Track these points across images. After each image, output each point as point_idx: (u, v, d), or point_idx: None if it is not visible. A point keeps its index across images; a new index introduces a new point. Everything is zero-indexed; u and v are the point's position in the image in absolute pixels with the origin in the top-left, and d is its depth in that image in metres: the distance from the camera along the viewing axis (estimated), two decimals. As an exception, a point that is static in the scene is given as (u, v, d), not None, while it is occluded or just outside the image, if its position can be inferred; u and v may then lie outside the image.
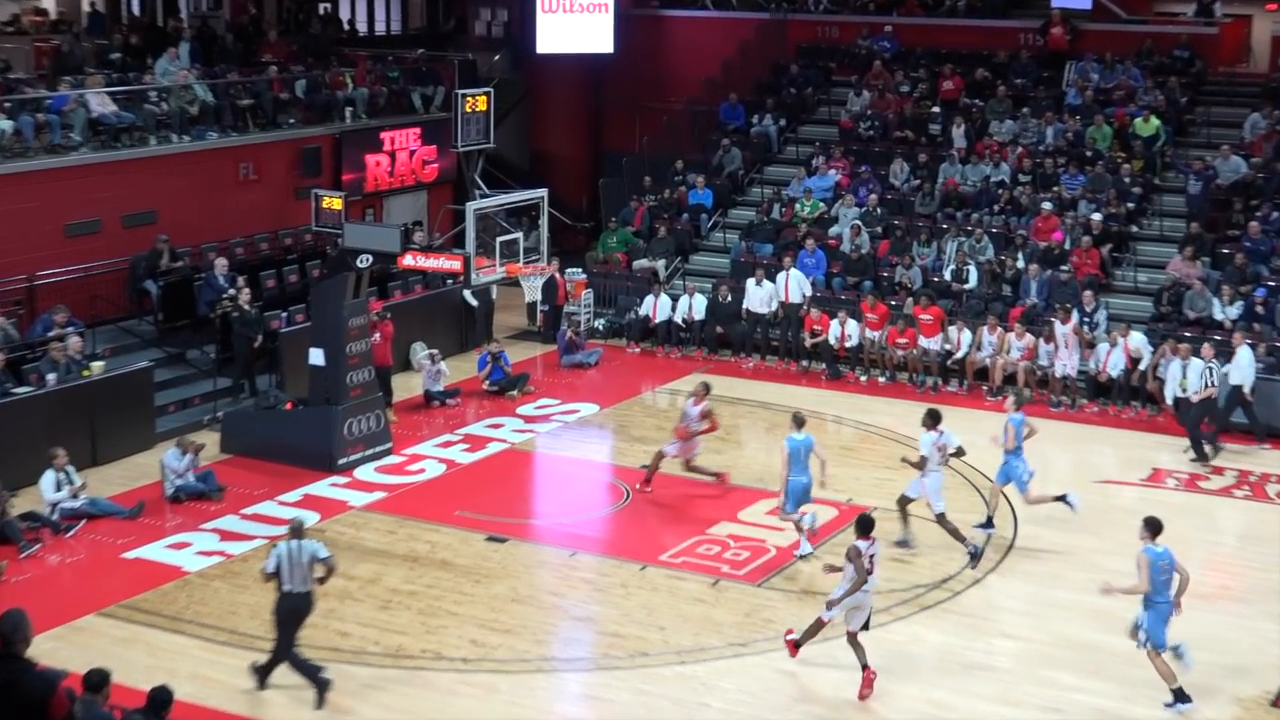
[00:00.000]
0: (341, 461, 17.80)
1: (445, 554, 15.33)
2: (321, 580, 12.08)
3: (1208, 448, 18.52)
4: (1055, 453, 19.00)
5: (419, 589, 14.41)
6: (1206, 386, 18.66)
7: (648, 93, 31.03)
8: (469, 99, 19.05)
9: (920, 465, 14.76)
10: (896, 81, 28.55)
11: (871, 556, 12.10)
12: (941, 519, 14.82)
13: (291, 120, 25.03)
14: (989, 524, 15.73)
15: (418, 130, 27.25)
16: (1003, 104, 27.00)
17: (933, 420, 14.86)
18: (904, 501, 15.22)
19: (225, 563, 15.06)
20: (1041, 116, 26.41)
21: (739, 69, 30.32)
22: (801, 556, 14.96)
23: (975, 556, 14.79)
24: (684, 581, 14.63)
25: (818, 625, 12.43)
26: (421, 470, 18.02)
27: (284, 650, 12.04)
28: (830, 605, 12.27)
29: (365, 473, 17.82)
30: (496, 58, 32.15)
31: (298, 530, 12.18)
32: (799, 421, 15.10)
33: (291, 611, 11.98)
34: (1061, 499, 15.65)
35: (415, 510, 16.57)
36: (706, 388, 16.77)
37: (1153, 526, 11.92)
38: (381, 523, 16.22)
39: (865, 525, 12.20)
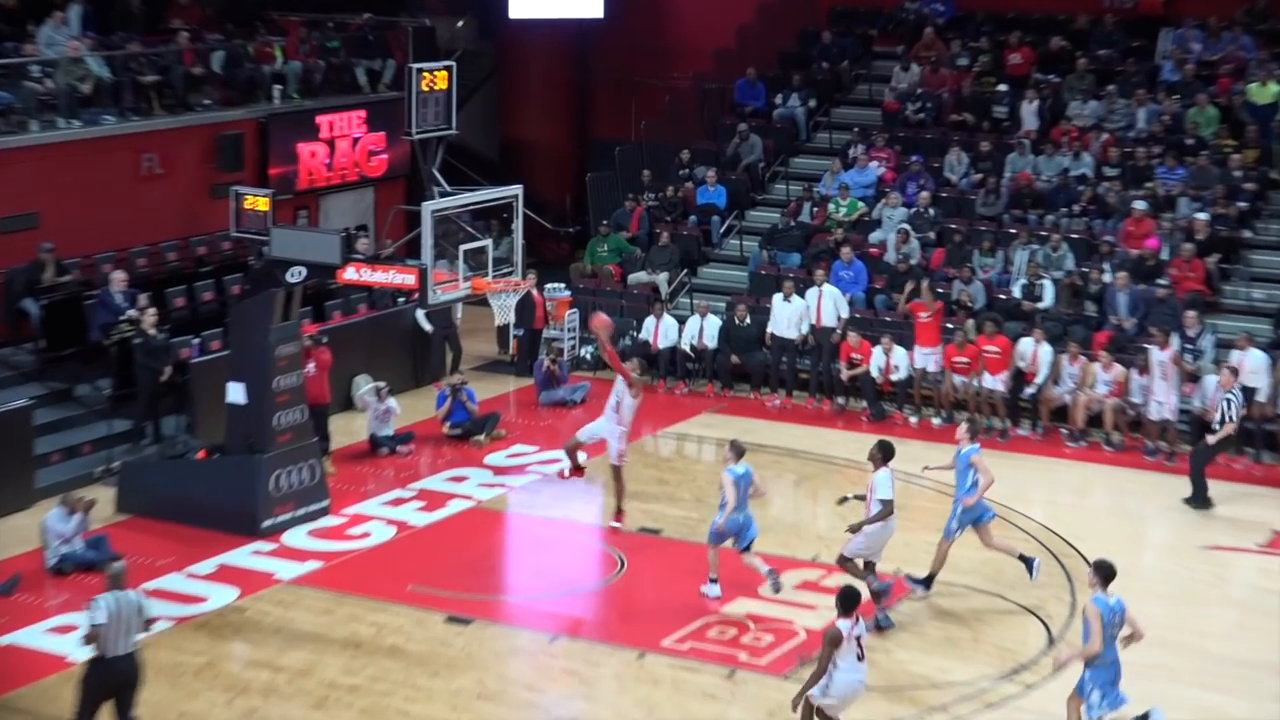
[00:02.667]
0: (266, 524, 17.76)
1: (395, 639, 15.25)
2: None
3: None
4: (1151, 513, 18.98)
5: (362, 682, 14.32)
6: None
7: (646, 67, 31.12)
8: (425, 75, 18.97)
9: (888, 511, 15.01)
10: (952, 53, 28.64)
11: (858, 638, 12.15)
12: (842, 561, 15.33)
13: (206, 101, 25.05)
14: (928, 583, 15.99)
15: (362, 113, 27.27)
16: (1083, 80, 27.08)
17: (884, 454, 15.19)
18: (843, 562, 15.42)
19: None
20: (1131, 96, 26.49)
21: (758, 38, 30.40)
22: (713, 598, 15.78)
23: (877, 594, 15.22)
24: (692, 673, 14.57)
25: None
26: (366, 534, 17.97)
27: None
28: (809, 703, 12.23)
29: (296, 537, 17.76)
30: (460, 24, 32.25)
31: (119, 577, 12.22)
32: (738, 451, 15.62)
33: (122, 684, 12.01)
34: (1027, 561, 15.89)
35: (358, 584, 16.49)
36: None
37: (1104, 571, 12.32)
38: (316, 600, 16.14)
39: (848, 601, 12.22)
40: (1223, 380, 19.63)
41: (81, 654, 13.15)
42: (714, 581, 15.96)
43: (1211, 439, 19.22)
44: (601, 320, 18.51)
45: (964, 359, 21.86)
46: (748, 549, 15.72)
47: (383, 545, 17.69)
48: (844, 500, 16.07)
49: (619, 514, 17.89)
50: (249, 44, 26.49)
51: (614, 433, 17.69)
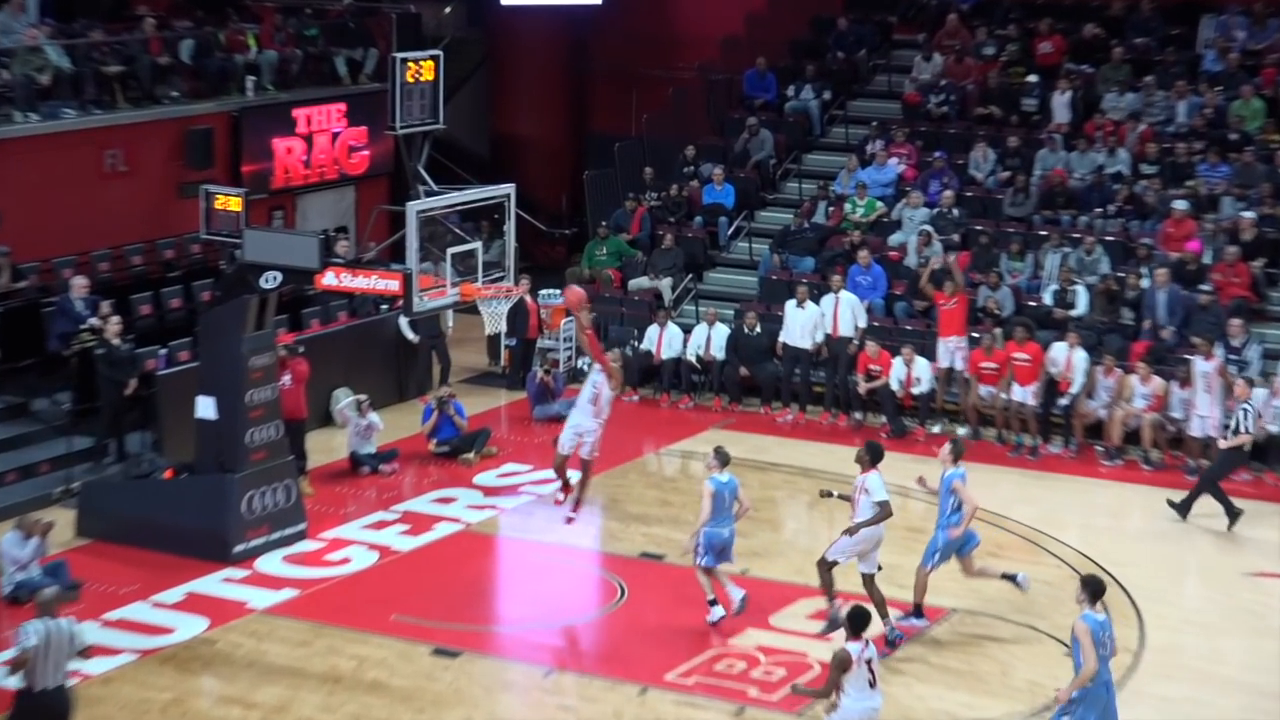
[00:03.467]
0: (238, 548, 17.73)
1: (377, 673, 15.20)
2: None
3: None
4: (1194, 536, 18.90)
5: (342, 720, 14.26)
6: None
7: (648, 57, 31.13)
8: (410, 65, 18.95)
9: (887, 513, 15.28)
10: (978, 41, 28.64)
11: (869, 662, 12.10)
12: (824, 565, 15.56)
13: (174, 93, 25.03)
14: (917, 613, 16.04)
15: (342, 106, 27.27)
16: (1119, 71, 27.07)
17: (872, 456, 15.45)
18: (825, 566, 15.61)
19: (80, 685, 14.88)
20: (1170, 87, 26.48)
21: (769, 25, 30.41)
22: (713, 623, 15.92)
23: (833, 623, 15.33)
24: (699, 710, 14.53)
25: None
26: (346, 560, 17.97)
27: None
28: None
29: (270, 563, 17.75)
30: (447, 10, 32.26)
31: (49, 605, 12.22)
32: (723, 459, 15.79)
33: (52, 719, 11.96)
34: (1013, 579, 16.01)
35: (337, 614, 16.46)
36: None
37: (1092, 587, 12.42)
38: (292, 630, 16.11)
39: (858, 622, 12.22)
40: (1238, 391, 19.66)
41: (9, 683, 13.16)
42: (714, 604, 16.05)
43: (1222, 444, 19.39)
44: (577, 294, 18.51)
45: (991, 364, 21.78)
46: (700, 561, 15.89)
47: (364, 572, 17.67)
48: (827, 495, 16.18)
49: (577, 505, 17.87)
50: (220, 32, 26.47)
51: (592, 427, 17.66)
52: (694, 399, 23.77)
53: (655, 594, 17.00)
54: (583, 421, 17.61)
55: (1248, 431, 19.26)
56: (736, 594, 15.93)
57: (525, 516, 19.46)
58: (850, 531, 15.32)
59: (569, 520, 17.83)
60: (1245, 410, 19.28)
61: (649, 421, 23.06)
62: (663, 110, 29.38)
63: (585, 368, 24.51)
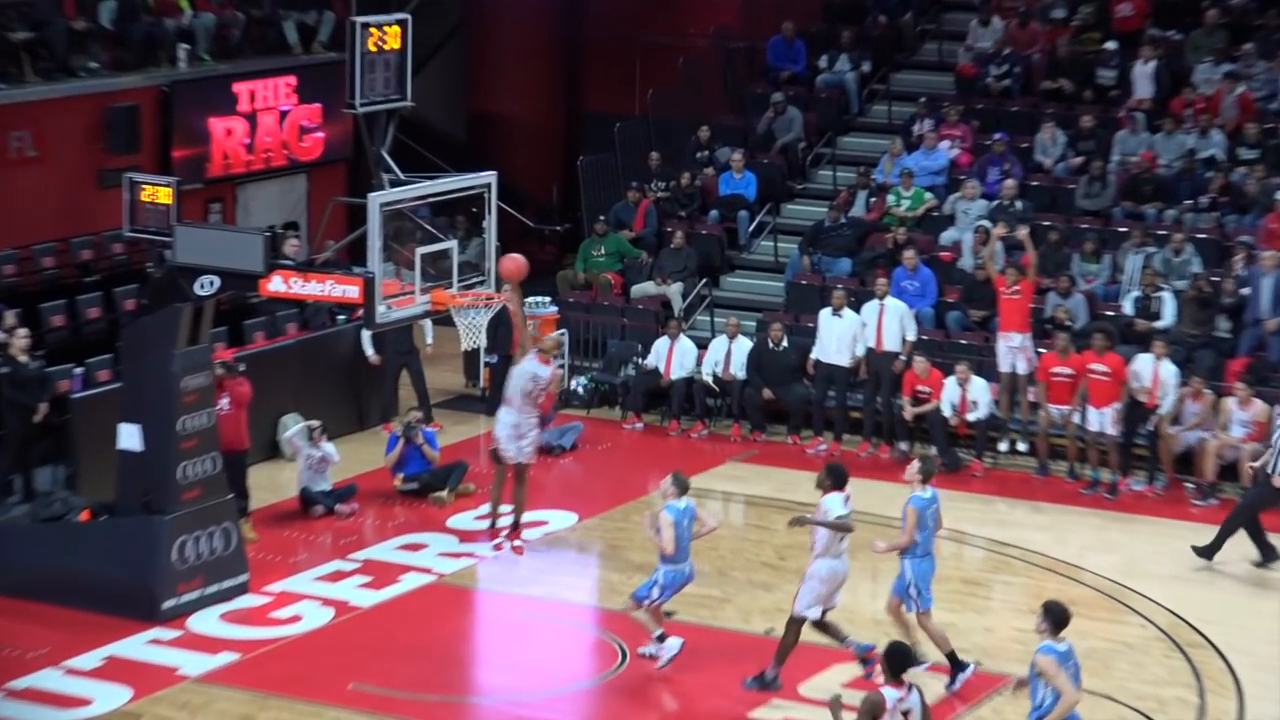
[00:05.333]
0: (168, 604, 17.68)
1: (331, 752, 15.20)
2: None
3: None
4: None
5: (289, 809, 14.29)
6: None
7: (653, 21, 31.15)
8: (373, 31, 18.96)
9: (849, 527, 15.75)
10: (1045, 3, 28.67)
11: (906, 713, 12.07)
12: (795, 625, 15.85)
13: (93, 64, 25.04)
14: (958, 665, 16.09)
15: (292, 80, 27.30)
16: (1212, 37, 27.08)
17: (833, 479, 15.76)
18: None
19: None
20: (1274, 57, 26.51)
21: (797, -16, 30.48)
22: (648, 655, 16.44)
23: (861, 659, 15.85)
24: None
25: None
26: (296, 618, 17.91)
27: None
28: None
29: (206, 622, 17.69)
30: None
31: None
32: (681, 486, 16.26)
33: None
34: (957, 668, 16.10)
35: (285, 682, 16.39)
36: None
37: (1055, 615, 12.72)
38: (231, 702, 16.04)
39: (897, 663, 12.22)
40: None
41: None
42: (660, 639, 16.36)
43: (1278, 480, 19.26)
44: (516, 263, 18.80)
45: (1066, 370, 21.62)
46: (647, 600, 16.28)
47: (317, 631, 17.60)
48: (799, 523, 16.25)
49: (515, 530, 18.38)
50: (148, -9, 26.51)
51: (533, 424, 18.21)
52: (709, 426, 23.75)
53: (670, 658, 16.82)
54: (522, 420, 18.12)
55: None
56: (653, 649, 16.37)
57: (508, 566, 19.36)
58: (798, 523, 15.95)
59: (516, 550, 18.29)
60: None
61: (655, 453, 23.01)
62: (671, 85, 29.41)
63: (580, 389, 24.56)
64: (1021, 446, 22.43)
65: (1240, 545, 19.66)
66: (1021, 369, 22.25)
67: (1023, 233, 22.73)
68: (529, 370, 18.72)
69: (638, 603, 16.25)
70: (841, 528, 15.63)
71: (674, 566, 16.09)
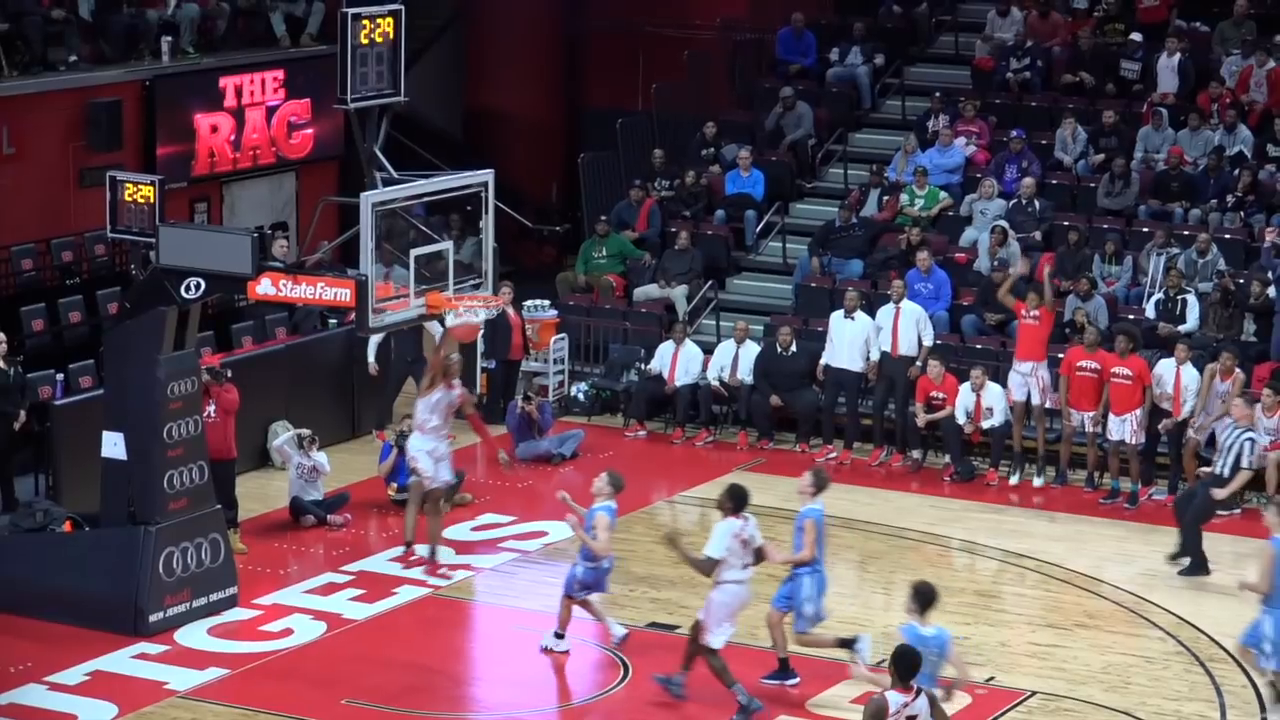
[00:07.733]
0: (154, 618, 17.70)
1: (322, 772, 15.20)
2: None
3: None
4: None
5: (277, 831, 14.25)
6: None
7: (656, 12, 31.14)
8: (365, 23, 18.94)
9: (708, 569, 15.78)
10: (1066, -7, 28.73)
11: (913, 719, 11.99)
12: (712, 654, 15.89)
13: (73, 58, 25.00)
14: (786, 672, 16.42)
15: (280, 74, 27.29)
16: (1241, 28, 27.02)
17: (734, 503, 15.83)
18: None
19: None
20: (1305, 48, 26.51)
21: (807, -26, 30.45)
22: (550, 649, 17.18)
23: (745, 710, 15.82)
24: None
25: None
26: (286, 632, 17.96)
27: None
28: None
29: (194, 636, 17.72)
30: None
31: None
32: (616, 485, 16.85)
33: None
34: (849, 644, 16.18)
35: (275, 698, 16.41)
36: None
37: (923, 596, 13.31)
38: (221, 718, 16.06)
39: (905, 666, 12.08)
40: (1238, 415, 19.75)
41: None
42: (560, 637, 17.21)
43: (1221, 492, 19.45)
44: (468, 330, 18.78)
45: (1092, 364, 21.48)
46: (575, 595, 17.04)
47: (308, 646, 17.63)
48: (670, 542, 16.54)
49: (434, 563, 19.30)
50: (131, -18, 26.50)
51: (445, 449, 19.02)
52: (715, 434, 23.74)
53: (666, 672, 16.64)
54: (437, 445, 19.01)
55: (1249, 468, 19.48)
56: (618, 629, 17.21)
57: (506, 578, 19.42)
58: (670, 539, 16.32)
59: (438, 571, 19.04)
60: (1251, 441, 19.54)
61: (660, 462, 23.10)
62: (676, 78, 29.42)
63: (581, 395, 24.50)
64: (1038, 482, 22.24)
65: (1248, 555, 19.60)
66: (1035, 397, 22.07)
67: (1044, 272, 22.70)
68: (436, 399, 19.19)
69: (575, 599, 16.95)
70: (699, 568, 15.89)
71: (601, 561, 16.77)
